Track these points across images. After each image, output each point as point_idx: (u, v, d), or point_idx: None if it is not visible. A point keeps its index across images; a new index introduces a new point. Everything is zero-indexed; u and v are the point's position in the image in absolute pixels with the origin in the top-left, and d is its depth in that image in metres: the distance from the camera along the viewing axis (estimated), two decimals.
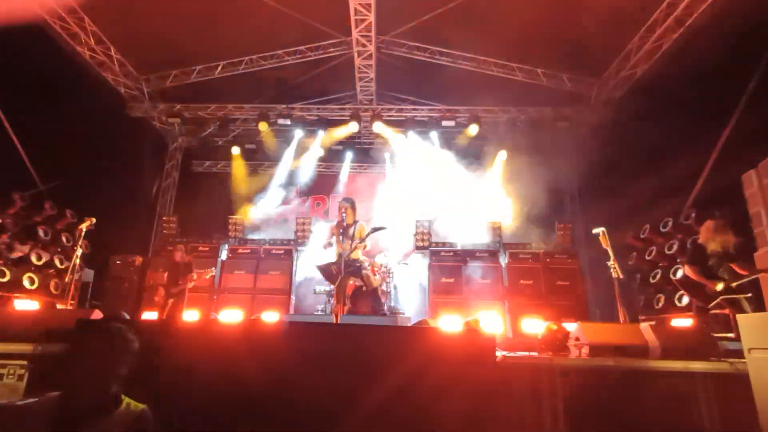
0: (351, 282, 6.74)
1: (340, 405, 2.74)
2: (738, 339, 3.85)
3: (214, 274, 6.70)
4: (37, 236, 7.26)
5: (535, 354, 4.02)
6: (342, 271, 5.25)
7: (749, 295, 4.87)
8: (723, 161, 7.17)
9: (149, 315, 4.43)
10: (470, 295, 8.36)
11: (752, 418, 2.90)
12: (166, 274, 6.66)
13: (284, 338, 3.01)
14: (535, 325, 4.49)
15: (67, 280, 6.85)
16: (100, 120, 8.87)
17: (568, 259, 8.65)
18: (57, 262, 7.58)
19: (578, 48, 8.54)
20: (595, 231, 6.00)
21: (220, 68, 9.96)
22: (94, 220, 6.37)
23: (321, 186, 12.43)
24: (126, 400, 1.91)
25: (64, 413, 1.77)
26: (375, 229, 5.66)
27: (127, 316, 4.46)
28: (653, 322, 6.37)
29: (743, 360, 3.14)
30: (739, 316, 3.28)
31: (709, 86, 6.44)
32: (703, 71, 6.44)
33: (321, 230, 9.52)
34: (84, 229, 6.28)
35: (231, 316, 4.00)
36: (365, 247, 5.54)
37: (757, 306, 5.08)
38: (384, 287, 8.50)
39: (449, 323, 3.38)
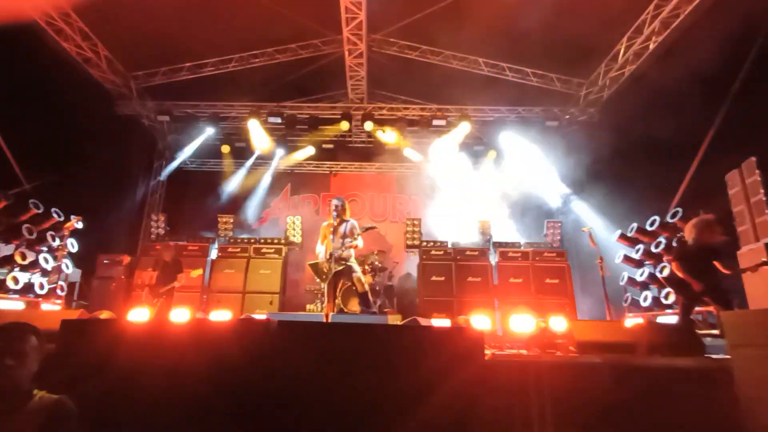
0: (342, 281, 6.75)
1: (329, 403, 2.75)
2: (722, 336, 3.94)
3: (201, 273, 6.64)
4: (22, 235, 7.14)
5: (523, 352, 4.06)
6: (332, 270, 5.25)
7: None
8: (708, 161, 7.29)
9: (138, 314, 4.38)
10: (460, 293, 8.41)
11: (736, 414, 2.96)
12: (155, 274, 6.58)
13: (274, 337, 3.00)
14: (524, 323, 4.53)
15: (52, 279, 6.76)
16: (87, 117, 8.72)
17: (557, 257, 8.75)
18: (43, 262, 7.46)
19: (567, 48, 8.62)
20: (583, 229, 6.08)
21: (209, 66, 9.88)
22: (80, 218, 6.29)
23: (312, 185, 12.39)
24: (39, 393, 1.90)
25: None
26: (367, 229, 5.69)
27: (114, 315, 4.41)
28: (640, 320, 6.49)
29: (727, 356, 3.20)
30: (723, 313, 3.35)
31: (695, 87, 6.53)
32: (689, 72, 6.54)
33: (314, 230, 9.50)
34: (70, 228, 6.20)
35: (220, 315, 3.97)
36: (356, 247, 5.54)
37: (741, 303, 5.19)
38: (374, 285, 8.52)
39: (439, 321, 3.40)
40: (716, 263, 4.82)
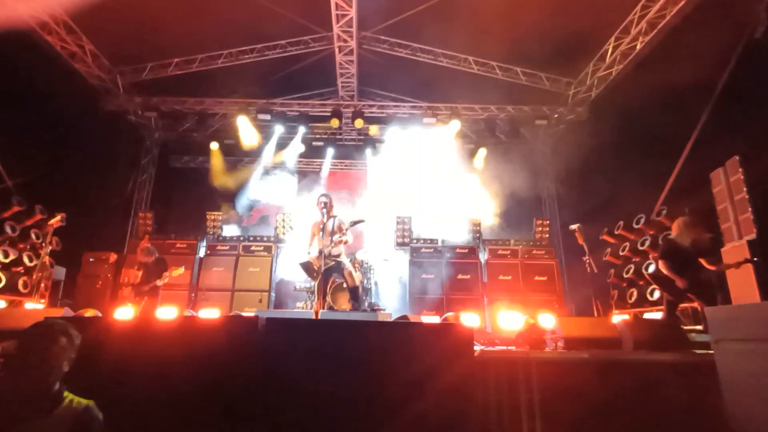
0: (332, 278, 6.73)
1: (320, 400, 2.74)
2: (706, 331, 4.01)
3: (183, 271, 6.54)
4: (3, 233, 6.99)
5: (512, 348, 4.10)
6: (323, 267, 5.23)
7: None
8: (693, 159, 7.41)
9: (123, 313, 4.32)
10: (450, 291, 8.44)
11: (720, 407, 3.02)
12: (140, 272, 6.47)
13: (263, 334, 2.98)
14: (513, 320, 4.56)
15: (35, 277, 6.64)
16: (71, 113, 8.56)
17: (546, 255, 8.83)
18: (26, 260, 7.32)
19: (556, 48, 8.69)
20: (571, 227, 6.14)
21: (198, 61, 9.76)
22: (64, 215, 6.17)
23: (302, 182, 12.34)
24: (69, 396, 1.86)
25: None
26: (354, 222, 5.65)
27: (99, 314, 4.35)
28: (626, 316, 6.58)
29: (711, 351, 3.26)
30: (707, 309, 3.41)
31: (681, 87, 6.63)
32: (675, 72, 6.63)
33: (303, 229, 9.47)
34: (54, 226, 6.08)
35: (209, 313, 3.94)
36: (346, 242, 5.51)
37: (724, 298, 5.29)
38: (365, 283, 8.51)
39: (429, 318, 3.41)
40: (702, 260, 4.91)
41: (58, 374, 1.83)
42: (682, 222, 5.07)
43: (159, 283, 6.25)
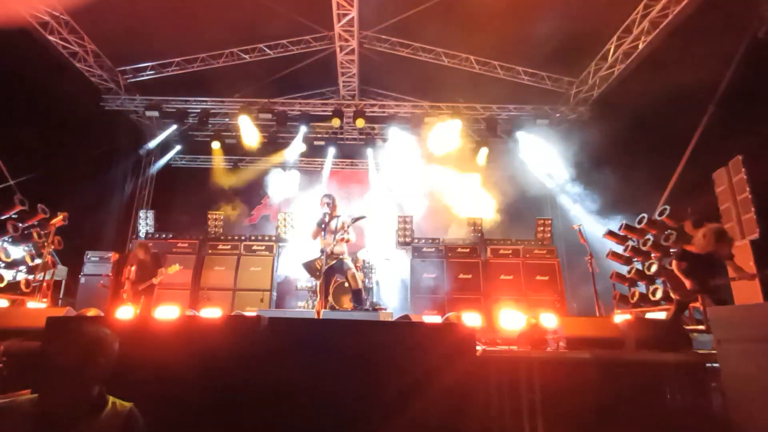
0: (334, 278, 6.72)
1: (321, 400, 2.74)
2: (708, 331, 4.00)
3: (179, 269, 6.51)
4: (6, 232, 7.00)
5: (514, 348, 4.09)
6: (325, 266, 5.23)
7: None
8: (696, 159, 7.39)
9: (124, 312, 4.33)
10: (452, 290, 8.44)
11: (722, 407, 3.01)
12: (133, 270, 6.37)
13: (265, 334, 2.98)
14: (514, 320, 4.55)
15: (38, 277, 6.64)
16: (73, 112, 8.58)
17: (547, 254, 8.82)
18: (28, 259, 7.33)
19: (558, 47, 8.66)
20: (573, 227, 6.12)
21: (199, 61, 9.76)
22: (66, 215, 6.17)
23: (304, 181, 12.33)
24: (111, 399, 1.86)
25: (45, 416, 1.70)
26: (356, 219, 5.65)
27: (101, 313, 4.35)
28: (628, 316, 6.56)
29: (713, 351, 3.25)
30: (710, 309, 3.40)
31: (684, 86, 6.61)
32: (678, 72, 6.61)
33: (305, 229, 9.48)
34: (56, 225, 6.08)
35: (211, 312, 3.94)
36: (348, 241, 5.51)
37: (727, 299, 5.27)
38: (366, 283, 8.52)
39: (430, 318, 3.40)
40: (728, 266, 4.79)
41: (97, 378, 1.82)
42: (714, 231, 4.84)
43: (155, 281, 6.22)
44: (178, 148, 12.16)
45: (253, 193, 12.08)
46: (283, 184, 12.05)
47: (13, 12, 7.20)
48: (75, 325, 1.95)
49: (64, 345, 1.81)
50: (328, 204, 5.56)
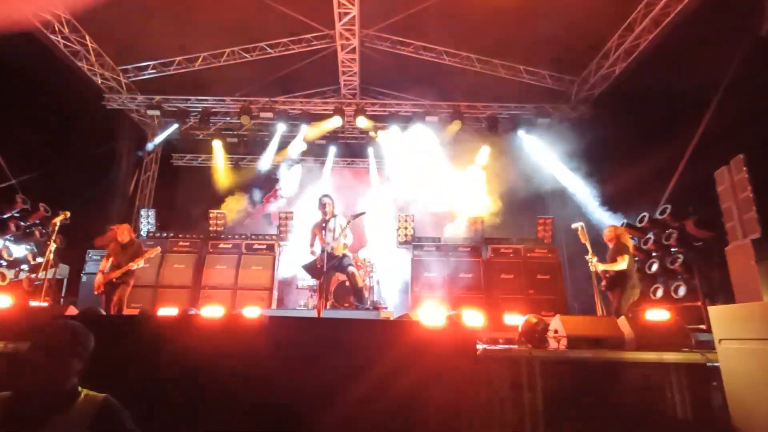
0: (335, 277, 6.73)
1: (322, 398, 2.74)
2: (709, 330, 4.00)
3: (159, 251, 6.20)
4: (8, 231, 7.02)
5: (515, 347, 4.09)
6: (325, 266, 5.24)
7: None
8: (697, 158, 7.37)
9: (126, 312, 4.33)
10: (452, 290, 8.43)
11: (722, 406, 3.01)
12: (109, 260, 5.98)
13: (266, 333, 2.99)
14: (515, 319, 4.56)
15: (40, 275, 6.64)
16: (75, 111, 8.59)
17: (548, 253, 8.79)
18: (30, 258, 7.35)
19: (559, 46, 8.65)
20: (574, 225, 6.12)
21: (201, 60, 9.76)
22: (68, 213, 6.15)
23: (304, 180, 12.33)
24: (84, 391, 1.87)
25: (15, 413, 1.72)
26: (356, 215, 5.64)
27: (103, 312, 4.37)
28: (629, 315, 6.55)
29: (714, 350, 3.25)
30: (711, 308, 3.39)
31: (685, 84, 6.59)
32: (679, 70, 6.60)
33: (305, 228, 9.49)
34: (58, 223, 6.08)
35: (212, 311, 3.95)
36: (346, 246, 5.54)
37: (728, 299, 5.27)
38: (367, 282, 8.52)
39: (431, 317, 3.40)
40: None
41: (71, 372, 1.83)
42: None
43: (133, 266, 5.87)
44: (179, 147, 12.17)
45: (257, 189, 12.09)
46: (283, 183, 12.06)
47: (16, 12, 7.20)
48: (48, 322, 1.96)
49: (35, 342, 1.83)
50: (326, 204, 5.59)
